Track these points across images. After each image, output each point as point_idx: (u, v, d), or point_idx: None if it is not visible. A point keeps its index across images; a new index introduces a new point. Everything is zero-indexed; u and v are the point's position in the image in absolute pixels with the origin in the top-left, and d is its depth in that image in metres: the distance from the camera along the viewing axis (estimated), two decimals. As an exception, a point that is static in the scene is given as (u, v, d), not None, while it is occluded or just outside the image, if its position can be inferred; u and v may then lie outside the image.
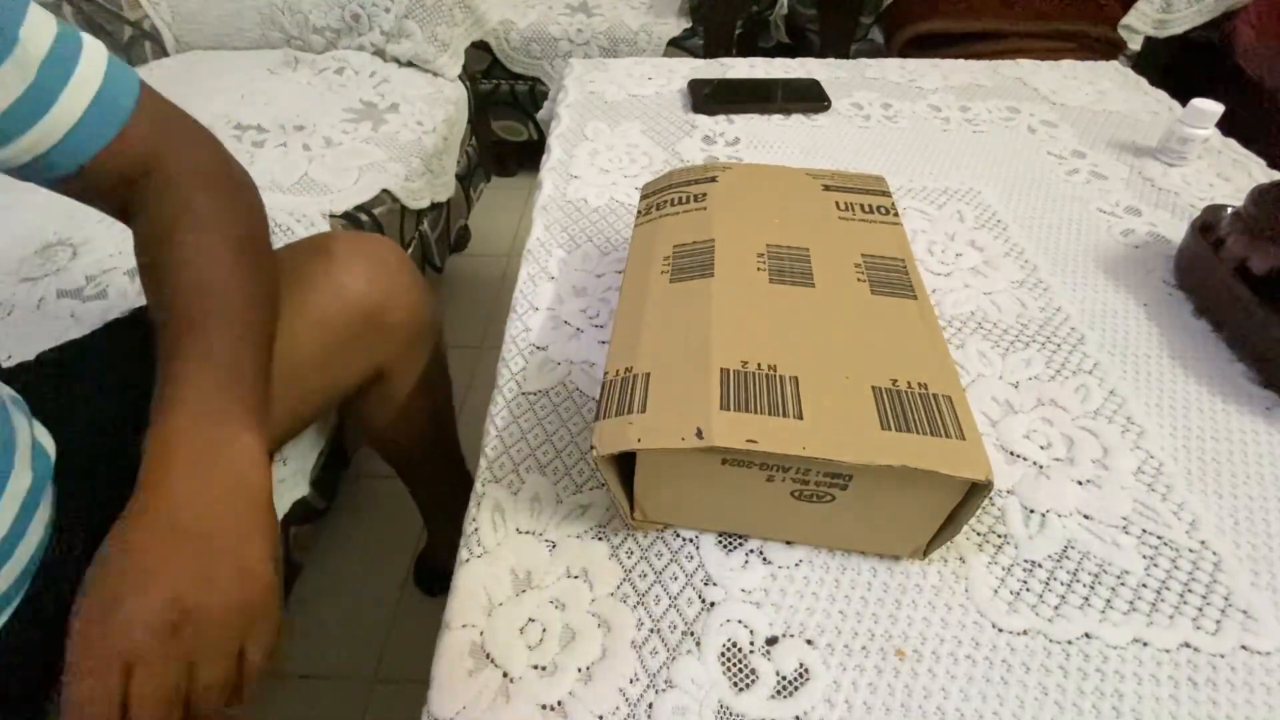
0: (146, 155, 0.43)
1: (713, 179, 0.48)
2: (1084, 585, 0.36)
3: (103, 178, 0.42)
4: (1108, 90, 0.85)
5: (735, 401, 0.32)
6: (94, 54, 0.41)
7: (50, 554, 0.42)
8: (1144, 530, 0.39)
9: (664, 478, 0.35)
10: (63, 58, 0.39)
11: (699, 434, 0.31)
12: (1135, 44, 1.36)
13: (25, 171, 0.40)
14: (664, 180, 0.50)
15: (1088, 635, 0.34)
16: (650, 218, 0.47)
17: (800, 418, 0.32)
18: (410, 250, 1.06)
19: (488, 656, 0.34)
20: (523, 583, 0.37)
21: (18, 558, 0.39)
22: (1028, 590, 0.36)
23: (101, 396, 0.49)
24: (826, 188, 0.48)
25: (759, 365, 0.34)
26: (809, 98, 0.80)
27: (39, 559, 0.41)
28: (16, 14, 0.37)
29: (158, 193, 0.43)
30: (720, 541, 0.38)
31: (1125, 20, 1.35)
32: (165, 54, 1.33)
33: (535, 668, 0.33)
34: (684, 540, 0.38)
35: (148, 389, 0.39)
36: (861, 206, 0.46)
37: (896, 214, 0.46)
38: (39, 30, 0.38)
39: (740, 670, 0.33)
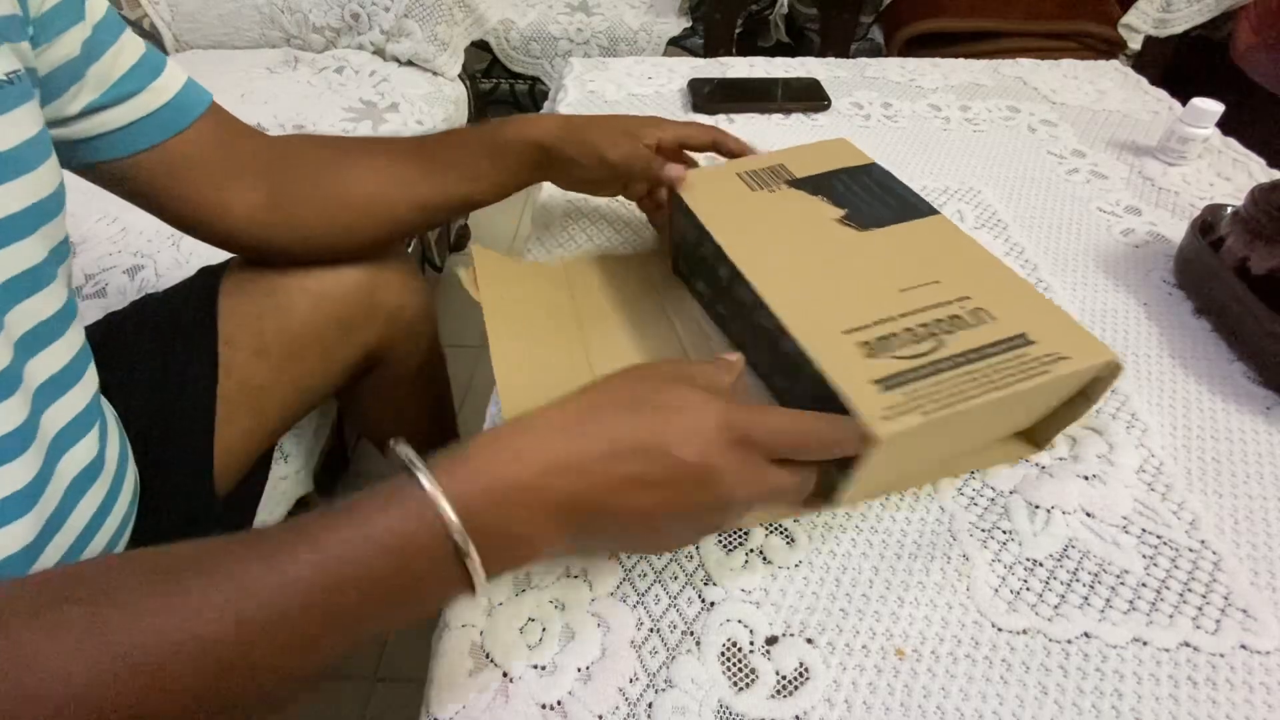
0: (217, 148, 0.49)
1: None
2: (1084, 585, 0.36)
3: (184, 159, 0.46)
4: (1108, 90, 0.85)
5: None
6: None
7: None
8: (1144, 530, 0.39)
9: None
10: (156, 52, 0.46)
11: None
12: (1135, 44, 1.36)
13: (113, 144, 0.43)
14: None
15: (1087, 635, 0.34)
16: None
17: None
18: (410, 249, 1.06)
19: (487, 656, 0.34)
20: (523, 582, 0.37)
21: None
22: (1027, 589, 0.36)
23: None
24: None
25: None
26: (809, 97, 0.80)
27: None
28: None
29: None
30: (720, 541, 0.38)
31: (1125, 20, 1.34)
32: (165, 53, 1.32)
33: (535, 667, 0.33)
34: (684, 540, 0.38)
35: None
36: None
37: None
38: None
39: (740, 670, 0.33)
